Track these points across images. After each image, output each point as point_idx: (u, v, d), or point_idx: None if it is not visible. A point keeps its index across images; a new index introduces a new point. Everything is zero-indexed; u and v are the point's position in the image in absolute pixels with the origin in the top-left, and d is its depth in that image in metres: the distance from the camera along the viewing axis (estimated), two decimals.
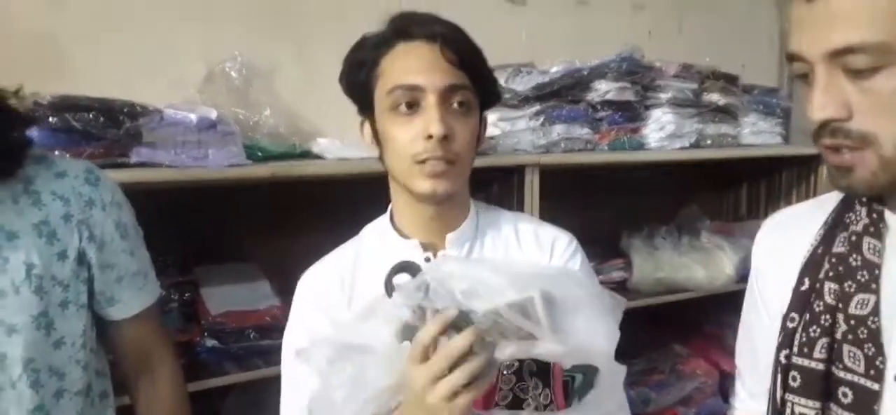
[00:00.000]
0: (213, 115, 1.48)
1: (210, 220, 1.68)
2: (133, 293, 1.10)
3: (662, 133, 2.05)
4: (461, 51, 0.94)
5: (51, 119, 1.27)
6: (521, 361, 0.83)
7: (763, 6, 2.69)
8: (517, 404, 0.81)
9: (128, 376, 1.16)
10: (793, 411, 0.82)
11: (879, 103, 0.69)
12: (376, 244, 1.04)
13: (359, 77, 0.98)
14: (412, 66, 0.93)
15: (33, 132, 1.22)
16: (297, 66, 1.84)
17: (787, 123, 2.49)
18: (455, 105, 0.94)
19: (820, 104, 0.71)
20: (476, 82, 0.96)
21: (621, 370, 0.83)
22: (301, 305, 1.03)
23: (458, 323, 0.82)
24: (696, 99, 2.14)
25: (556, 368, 0.83)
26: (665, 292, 2.06)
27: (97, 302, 1.07)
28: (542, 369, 0.83)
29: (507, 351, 0.81)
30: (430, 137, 0.91)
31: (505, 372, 0.82)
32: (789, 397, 0.82)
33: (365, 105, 1.00)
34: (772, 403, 0.85)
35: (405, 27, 0.95)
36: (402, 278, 0.92)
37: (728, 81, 2.22)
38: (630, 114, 2.02)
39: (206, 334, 1.49)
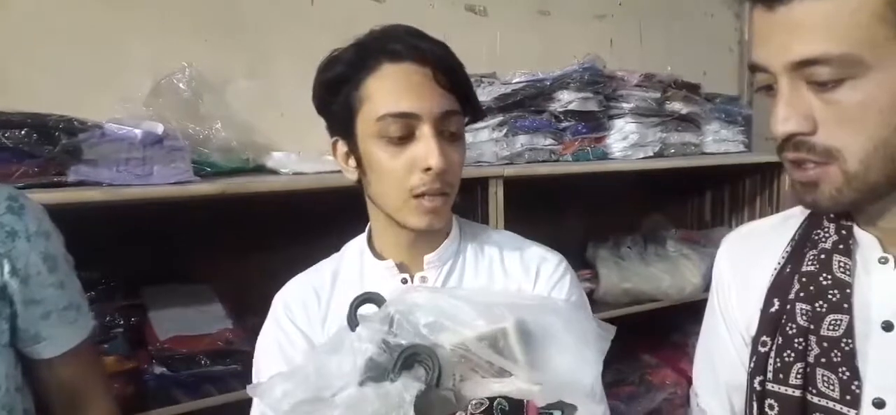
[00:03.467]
0: (160, 129, 1.41)
1: (159, 239, 1.60)
2: (62, 329, 1.02)
3: (626, 143, 2.03)
4: (453, 75, 0.88)
5: None
6: (491, 399, 0.77)
7: (723, 14, 2.71)
8: None
9: None
10: None
11: (844, 116, 0.66)
12: (354, 263, 0.99)
13: (335, 97, 0.90)
14: (404, 90, 0.86)
15: None
16: (250, 78, 1.78)
17: (749, 130, 2.50)
18: (448, 133, 0.88)
19: (783, 117, 0.68)
20: (464, 105, 0.91)
21: (600, 411, 0.77)
22: (274, 319, 0.98)
23: (424, 359, 0.77)
24: (659, 108, 2.13)
25: (530, 406, 0.78)
26: (632, 303, 2.04)
27: (22, 340, 0.98)
28: (514, 408, 0.78)
29: (477, 389, 0.76)
30: (428, 169, 0.85)
31: (474, 412, 0.77)
32: None
33: (342, 128, 0.92)
34: None
35: (392, 47, 0.88)
36: (367, 310, 0.86)
37: (690, 90, 2.22)
38: (593, 124, 2.00)
39: (153, 360, 1.41)
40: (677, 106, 2.18)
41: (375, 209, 0.95)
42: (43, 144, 1.24)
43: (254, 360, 0.98)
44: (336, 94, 0.90)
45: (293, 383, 0.79)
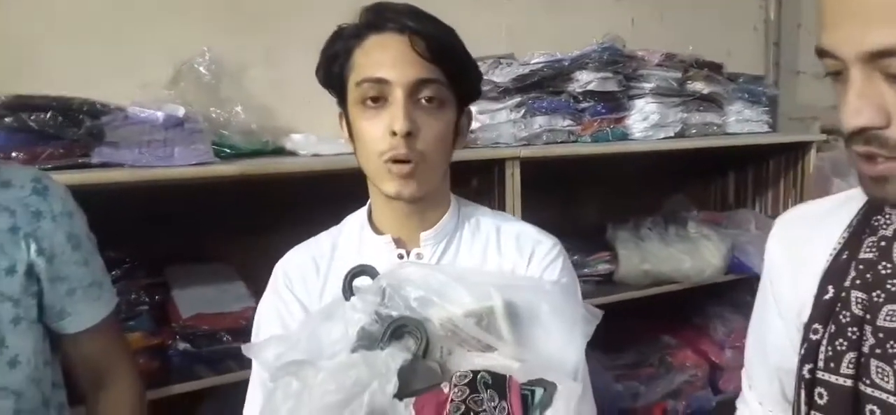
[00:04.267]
0: (181, 112, 1.44)
1: (181, 220, 1.63)
2: (87, 305, 1.06)
3: (646, 123, 2.02)
4: (433, 43, 0.90)
5: (6, 119, 1.22)
6: (475, 372, 0.79)
7: None
8: None
9: (84, 392, 1.11)
10: None
11: None
12: (354, 235, 1.02)
13: (333, 69, 0.95)
14: (380, 58, 0.89)
15: None
16: (268, 63, 1.80)
17: (773, 110, 2.46)
18: (424, 100, 0.90)
19: (855, 110, 0.64)
20: (451, 77, 0.92)
21: (577, 389, 0.79)
22: (274, 286, 1.01)
23: (413, 331, 0.80)
24: (680, 88, 2.11)
25: (512, 381, 0.80)
26: (652, 284, 2.03)
27: (48, 316, 1.02)
28: (498, 382, 0.79)
29: (462, 362, 0.79)
30: (394, 133, 0.88)
31: (457, 384, 0.79)
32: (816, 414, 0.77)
33: (341, 98, 0.97)
34: None
35: (376, 19, 0.92)
36: (361, 282, 0.88)
37: (712, 70, 2.19)
38: (613, 104, 1.99)
39: (177, 337, 1.44)
40: (699, 86, 2.15)
41: (370, 183, 0.98)
42: (67, 127, 1.28)
43: (254, 324, 1.01)
44: (333, 65, 0.95)
45: (287, 345, 0.83)
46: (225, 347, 1.46)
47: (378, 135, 0.89)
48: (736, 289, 2.25)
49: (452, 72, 0.92)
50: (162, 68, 1.61)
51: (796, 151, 2.27)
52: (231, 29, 1.76)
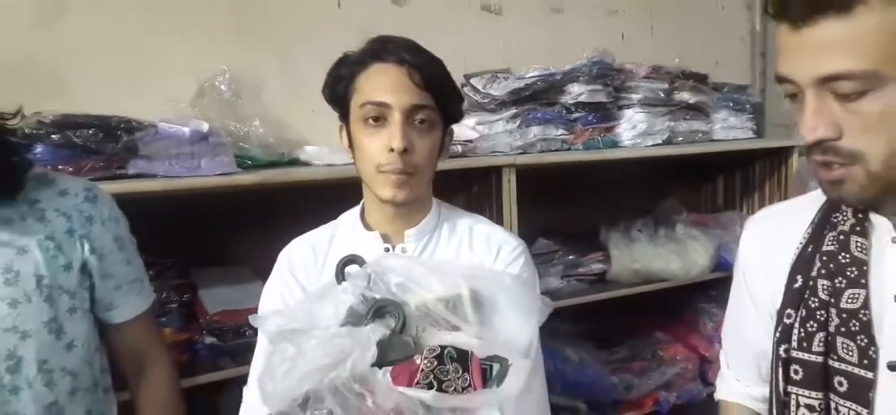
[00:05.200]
0: (205, 127, 1.58)
1: (206, 226, 1.78)
2: (130, 299, 1.21)
3: (635, 131, 2.15)
4: (426, 75, 1.06)
5: (53, 136, 1.36)
6: (442, 347, 0.93)
7: (734, 5, 2.80)
8: (437, 384, 0.90)
9: (127, 375, 1.26)
10: (798, 403, 0.88)
11: (867, 123, 0.73)
12: (348, 230, 1.17)
13: (338, 89, 1.11)
14: (381, 85, 1.05)
15: (37, 149, 1.33)
16: (283, 80, 1.94)
17: (758, 117, 2.59)
18: (417, 122, 1.06)
19: (811, 126, 0.75)
20: (440, 103, 1.08)
21: (527, 365, 0.93)
22: (278, 271, 1.16)
23: (392, 311, 0.95)
24: (667, 98, 2.24)
25: (474, 356, 0.93)
26: (642, 283, 2.16)
27: (98, 308, 1.17)
28: (462, 356, 0.93)
29: (432, 339, 0.93)
30: (393, 150, 1.03)
31: (427, 356, 0.92)
32: (792, 389, 0.89)
33: (343, 113, 1.13)
34: (775, 395, 0.91)
35: (379, 50, 1.08)
36: (352, 269, 1.04)
37: (698, 80, 2.32)
38: (603, 114, 2.12)
39: (204, 331, 1.59)
40: (685, 95, 2.28)
41: (367, 190, 1.13)
42: (107, 142, 1.42)
43: (260, 302, 1.16)
44: (338, 85, 1.10)
45: (286, 318, 0.99)
46: (247, 340, 1.60)
47: (377, 149, 1.05)
48: (724, 286, 2.35)
49: (441, 98, 1.08)
50: (185, 86, 1.75)
51: (780, 154, 2.39)
52: (249, 49, 1.90)
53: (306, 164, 1.80)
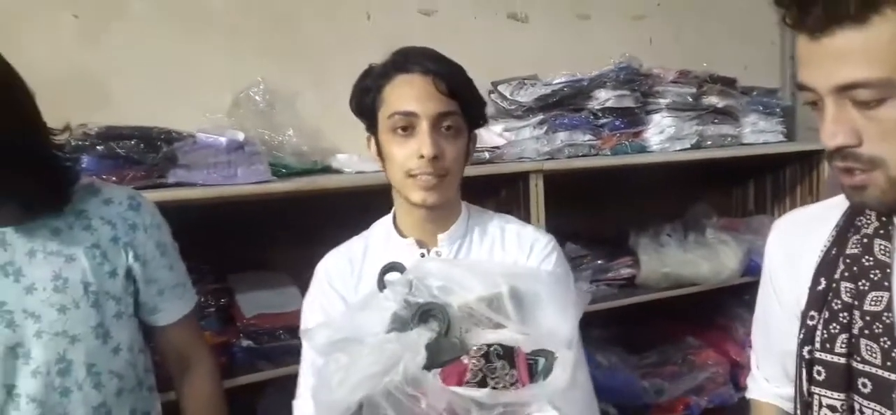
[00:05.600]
0: (241, 137, 1.64)
1: (241, 232, 1.83)
2: (173, 303, 1.25)
3: (663, 136, 2.16)
4: (451, 83, 1.10)
5: (98, 147, 1.43)
6: (489, 345, 0.95)
7: (762, 9, 2.75)
8: (485, 382, 0.92)
9: (172, 374, 1.31)
10: (820, 404, 0.89)
11: (886, 130, 0.74)
12: (381, 239, 1.20)
13: (365, 101, 1.15)
14: (408, 95, 1.09)
15: (83, 160, 1.39)
16: (315, 91, 1.99)
17: (788, 120, 2.57)
18: (444, 129, 1.09)
19: (831, 133, 0.76)
20: (464, 109, 1.12)
21: (572, 356, 0.95)
22: (317, 284, 1.20)
23: (437, 314, 0.97)
24: (695, 102, 2.24)
25: (520, 351, 0.95)
26: (671, 287, 2.16)
27: (143, 311, 1.22)
28: (507, 353, 0.94)
29: (478, 338, 0.95)
30: (422, 156, 1.07)
31: (474, 355, 0.94)
32: (816, 390, 0.89)
33: (371, 124, 1.16)
34: (798, 395, 0.92)
35: (402, 62, 1.12)
36: (392, 276, 1.07)
37: (726, 84, 2.32)
38: (631, 119, 2.13)
39: (241, 335, 1.64)
40: (713, 99, 2.28)
41: (398, 196, 1.16)
42: (148, 153, 1.49)
43: (301, 316, 1.20)
44: (365, 98, 1.14)
45: (333, 330, 1.01)
46: (283, 343, 1.65)
47: (407, 157, 1.08)
48: (755, 291, 2.34)
49: (465, 104, 1.12)
50: (221, 98, 1.81)
51: (811, 158, 2.38)
52: (282, 61, 1.96)
53: (338, 171, 1.84)
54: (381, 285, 1.06)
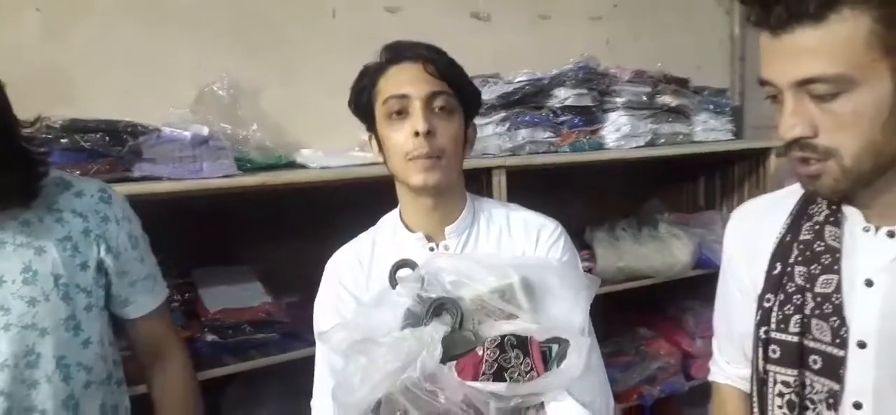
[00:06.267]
0: (205, 131, 1.64)
1: (204, 227, 1.82)
2: (145, 295, 1.26)
3: (619, 134, 2.23)
4: (441, 65, 1.13)
5: (62, 140, 1.42)
6: (502, 336, 0.96)
7: (714, 11, 2.89)
8: (501, 372, 0.94)
9: (143, 366, 1.31)
10: (775, 380, 0.96)
11: (840, 122, 0.81)
12: (389, 234, 1.22)
13: (362, 99, 1.18)
14: (401, 80, 1.12)
15: (42, 150, 1.38)
16: (280, 86, 2.00)
17: (737, 120, 2.67)
18: (437, 108, 1.12)
19: (790, 125, 0.83)
20: (457, 91, 1.15)
21: (586, 342, 0.95)
22: (328, 283, 1.20)
23: (450, 308, 0.99)
24: (650, 102, 2.32)
25: (533, 340, 0.97)
26: (626, 280, 2.24)
27: (114, 304, 1.23)
28: (521, 342, 0.96)
29: (491, 330, 0.97)
30: (417, 134, 1.09)
31: (489, 347, 0.95)
32: (770, 367, 0.96)
33: (370, 122, 1.19)
34: (755, 373, 0.99)
35: (395, 54, 1.15)
36: (403, 273, 1.08)
37: (679, 84, 2.41)
38: (588, 117, 2.20)
39: (205, 329, 1.64)
40: (667, 99, 2.37)
41: (401, 187, 1.18)
42: (113, 146, 1.48)
43: (314, 317, 1.20)
44: (362, 96, 1.17)
45: (348, 330, 1.01)
46: (247, 337, 1.66)
47: (403, 139, 1.11)
48: (705, 283, 2.45)
49: (457, 86, 1.15)
50: (186, 92, 1.81)
51: (758, 155, 2.47)
52: (247, 56, 1.96)
53: (303, 166, 1.86)
54: (393, 282, 1.07)
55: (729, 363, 1.16)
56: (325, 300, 1.19)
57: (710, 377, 1.23)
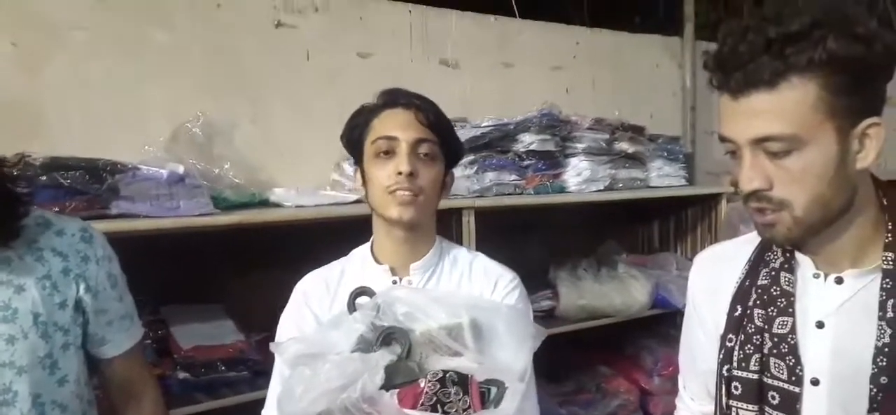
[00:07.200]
0: (181, 170, 1.66)
1: (174, 264, 1.82)
2: (122, 334, 1.26)
3: (580, 178, 2.33)
4: (431, 115, 1.21)
5: (42, 178, 1.42)
6: (445, 371, 1.01)
7: (667, 64, 3.05)
8: (439, 406, 0.97)
9: (116, 406, 1.30)
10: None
11: (792, 177, 0.88)
12: (358, 264, 1.29)
13: (354, 135, 1.26)
14: (392, 123, 1.21)
15: (25, 190, 1.38)
16: (253, 125, 2.04)
17: (690, 166, 2.81)
18: (422, 154, 1.20)
19: (748, 179, 0.90)
20: (442, 141, 1.23)
21: (521, 388, 1.03)
22: (294, 302, 1.27)
23: (399, 338, 1.05)
24: (609, 148, 2.43)
25: (473, 379, 1.03)
26: (588, 318, 2.32)
27: (90, 343, 1.22)
28: (462, 380, 1.00)
29: (436, 364, 1.03)
30: (400, 173, 1.16)
31: (431, 380, 1.00)
32: (733, 403, 1.03)
33: (358, 156, 1.27)
34: (718, 409, 1.06)
35: (391, 98, 1.25)
36: (362, 300, 1.13)
37: (635, 132, 2.53)
38: (551, 162, 2.30)
39: (178, 366, 1.64)
40: (624, 145, 2.48)
41: (377, 221, 1.25)
42: (92, 184, 1.48)
43: (277, 331, 1.25)
44: (354, 131, 1.25)
45: (303, 345, 1.07)
46: (220, 375, 1.66)
47: (386, 175, 1.19)
48: (662, 323, 2.55)
49: (443, 136, 1.23)
50: (160, 130, 1.83)
51: (710, 201, 2.61)
52: (222, 95, 1.99)
53: (276, 205, 1.88)
54: (352, 308, 1.12)
55: (693, 399, 1.23)
56: (289, 316, 1.26)
57: (676, 414, 1.29)
